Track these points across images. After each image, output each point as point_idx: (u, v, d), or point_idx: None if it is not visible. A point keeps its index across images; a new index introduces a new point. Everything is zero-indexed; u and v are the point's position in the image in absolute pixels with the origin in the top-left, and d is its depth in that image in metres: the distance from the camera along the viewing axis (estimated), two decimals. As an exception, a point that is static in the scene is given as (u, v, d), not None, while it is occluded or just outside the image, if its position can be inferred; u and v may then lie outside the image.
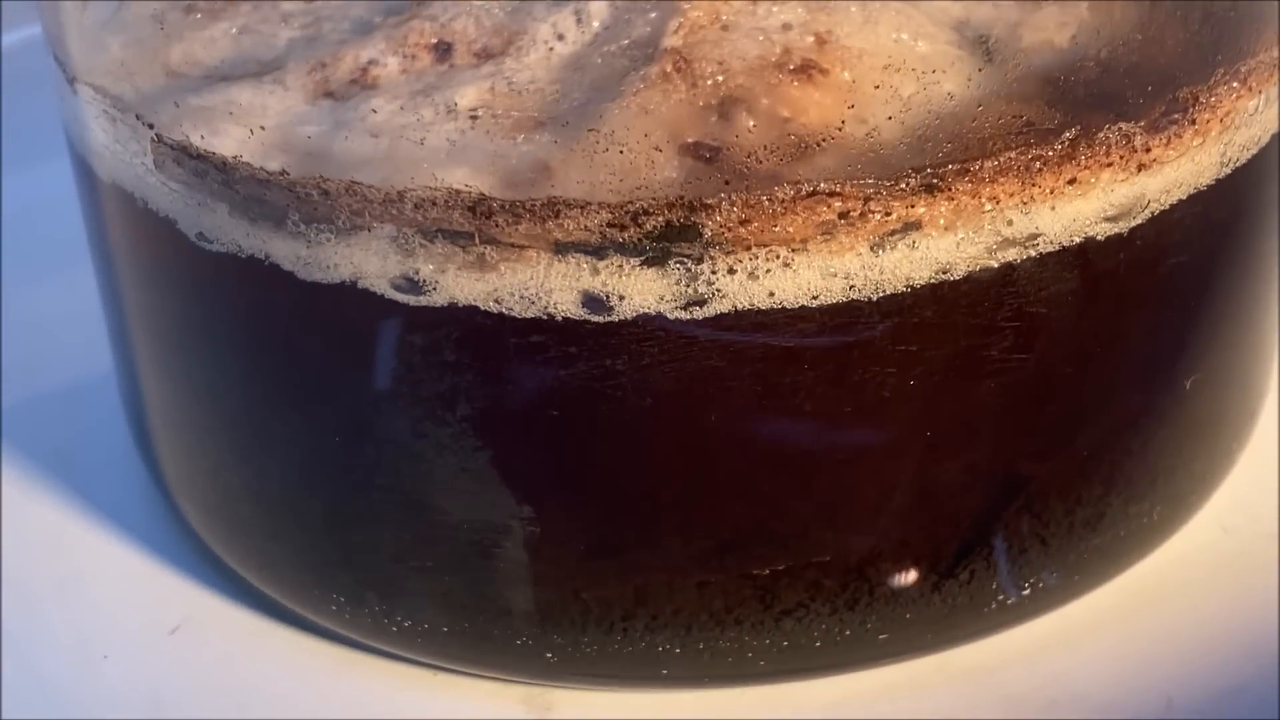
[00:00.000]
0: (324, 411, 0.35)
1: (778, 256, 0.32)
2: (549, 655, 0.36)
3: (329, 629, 0.39)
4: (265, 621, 0.40)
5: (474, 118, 0.34)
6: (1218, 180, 0.35)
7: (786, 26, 0.35)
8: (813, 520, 0.35)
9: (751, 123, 0.33)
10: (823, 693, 0.37)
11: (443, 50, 0.37)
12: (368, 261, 0.33)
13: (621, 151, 0.32)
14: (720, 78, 0.34)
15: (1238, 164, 0.36)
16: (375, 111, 0.35)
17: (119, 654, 0.39)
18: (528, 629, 0.36)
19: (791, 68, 0.34)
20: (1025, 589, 0.37)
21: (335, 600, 0.38)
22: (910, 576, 0.36)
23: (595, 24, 0.37)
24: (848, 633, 0.36)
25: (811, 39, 0.35)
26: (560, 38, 0.36)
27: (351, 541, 0.37)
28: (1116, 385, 0.36)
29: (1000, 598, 0.37)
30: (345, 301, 0.34)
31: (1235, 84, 0.34)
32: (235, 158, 0.34)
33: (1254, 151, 0.36)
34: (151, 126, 0.35)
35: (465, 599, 0.36)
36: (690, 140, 0.33)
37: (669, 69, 0.34)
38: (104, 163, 0.37)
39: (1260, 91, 0.35)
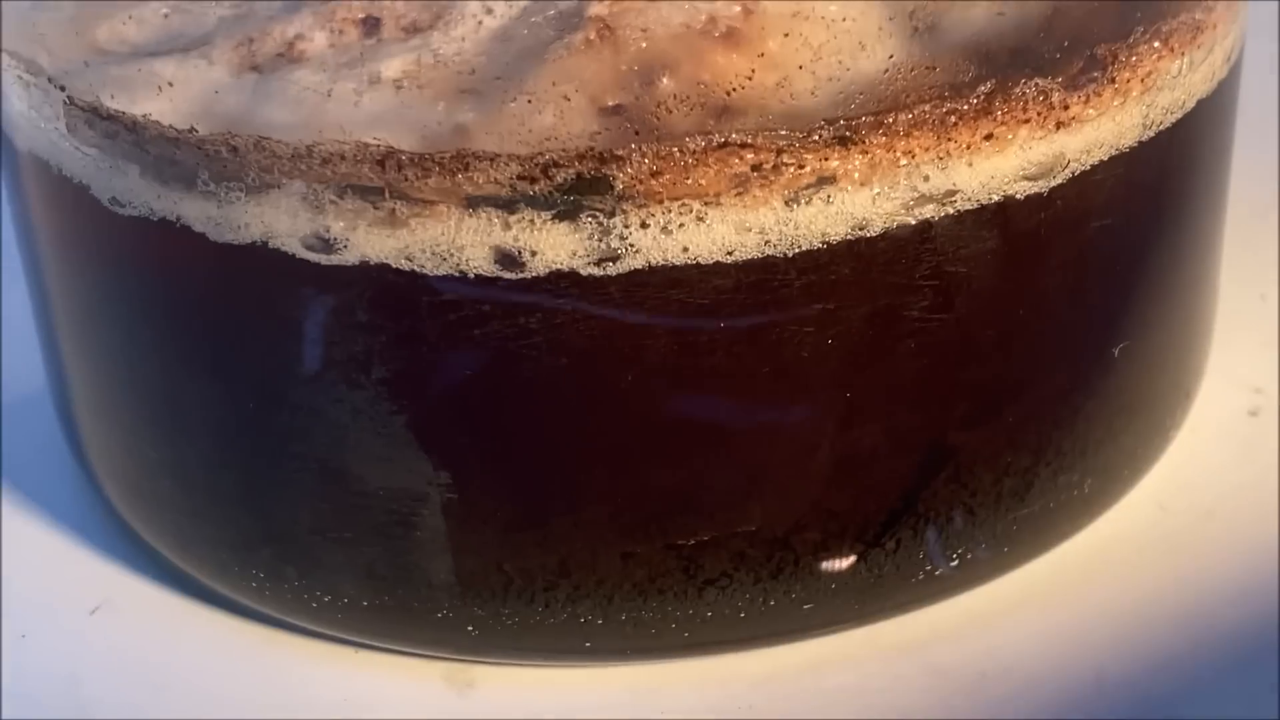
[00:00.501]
0: (238, 378, 0.35)
1: (691, 210, 0.32)
2: (470, 628, 0.36)
3: (250, 608, 0.38)
4: (187, 601, 0.39)
5: (398, 88, 0.34)
6: (1141, 143, 0.35)
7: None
8: (734, 486, 0.34)
9: (673, 87, 0.33)
10: (749, 666, 0.36)
11: (371, 25, 0.37)
12: (278, 220, 0.33)
13: (529, 100, 0.31)
14: (644, 44, 0.34)
15: (1161, 127, 0.35)
16: (298, 83, 0.35)
17: (38, 633, 0.38)
18: (448, 601, 0.36)
19: (716, 35, 0.34)
20: (954, 560, 0.36)
21: (255, 577, 0.37)
22: (835, 545, 0.35)
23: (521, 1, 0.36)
24: (772, 603, 0.35)
25: (738, 8, 0.34)
26: (489, 12, 0.36)
27: (269, 514, 0.36)
28: (1041, 351, 0.36)
29: (928, 568, 0.36)
30: (256, 263, 0.33)
31: (1157, 44, 0.34)
32: (145, 116, 0.33)
33: (1178, 116, 0.36)
34: (63, 89, 0.35)
35: (385, 571, 0.36)
36: (610, 103, 0.33)
37: (593, 36, 0.34)
38: (21, 132, 0.37)
39: (1183, 54, 0.35)
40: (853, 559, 0.35)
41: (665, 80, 0.33)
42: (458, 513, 0.35)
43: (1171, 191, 0.37)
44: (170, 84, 0.34)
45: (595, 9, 0.35)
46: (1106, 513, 0.39)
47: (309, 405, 0.34)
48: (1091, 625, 0.37)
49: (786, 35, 0.33)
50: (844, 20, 0.33)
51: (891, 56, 0.32)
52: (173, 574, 0.39)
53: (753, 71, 0.31)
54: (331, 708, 0.36)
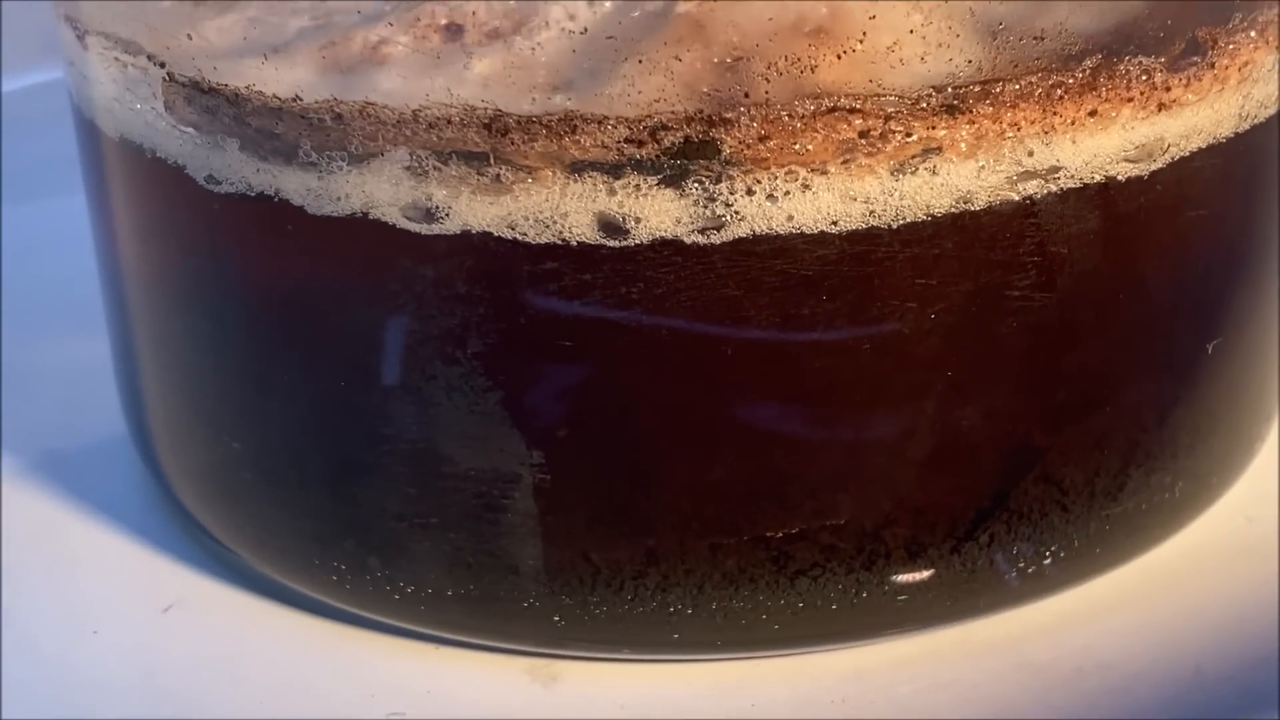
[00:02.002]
0: (330, 357, 0.35)
1: (797, 177, 0.31)
2: (556, 618, 0.35)
3: (326, 606, 0.37)
4: (260, 601, 0.38)
5: (485, 85, 0.34)
6: (1237, 134, 0.35)
7: (800, 5, 0.35)
8: (827, 472, 0.34)
9: (766, 69, 0.33)
10: (841, 663, 0.36)
11: (453, 31, 0.37)
12: (380, 189, 0.33)
13: (641, 62, 0.31)
14: (736, 38, 0.34)
15: (1256, 120, 0.35)
16: (385, 80, 0.35)
17: (110, 630, 0.38)
18: (535, 590, 0.35)
19: (806, 30, 0.34)
20: (1047, 557, 0.36)
21: (335, 569, 0.36)
22: (929, 536, 0.35)
23: (607, 4, 0.36)
24: (865, 594, 0.35)
25: (825, 9, 0.35)
26: (572, 18, 0.36)
27: (355, 501, 0.36)
28: (1138, 339, 0.35)
29: (1021, 565, 0.36)
30: (355, 235, 0.33)
31: (1254, 33, 0.34)
32: (248, 87, 0.33)
33: (1272, 111, 0.36)
34: (164, 65, 0.35)
35: (471, 558, 0.35)
36: (704, 87, 0.33)
37: (683, 32, 0.34)
38: (112, 118, 0.37)
39: (1278, 48, 0.35)
40: (946, 552, 0.35)
41: (760, 69, 0.33)
42: (548, 496, 0.34)
43: (1263, 188, 0.37)
44: (265, 57, 0.34)
45: (683, 7, 0.35)
46: (1194, 521, 0.38)
47: (402, 383, 0.34)
48: (1185, 623, 0.36)
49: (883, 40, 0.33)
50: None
51: (1002, 24, 0.32)
52: (246, 574, 0.39)
53: (864, 35, 0.31)
54: (413, 702, 0.36)
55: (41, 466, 0.43)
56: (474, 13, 0.36)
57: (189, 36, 0.34)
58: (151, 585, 0.39)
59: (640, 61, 0.32)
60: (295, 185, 0.33)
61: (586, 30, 0.33)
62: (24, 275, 0.51)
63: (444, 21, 0.37)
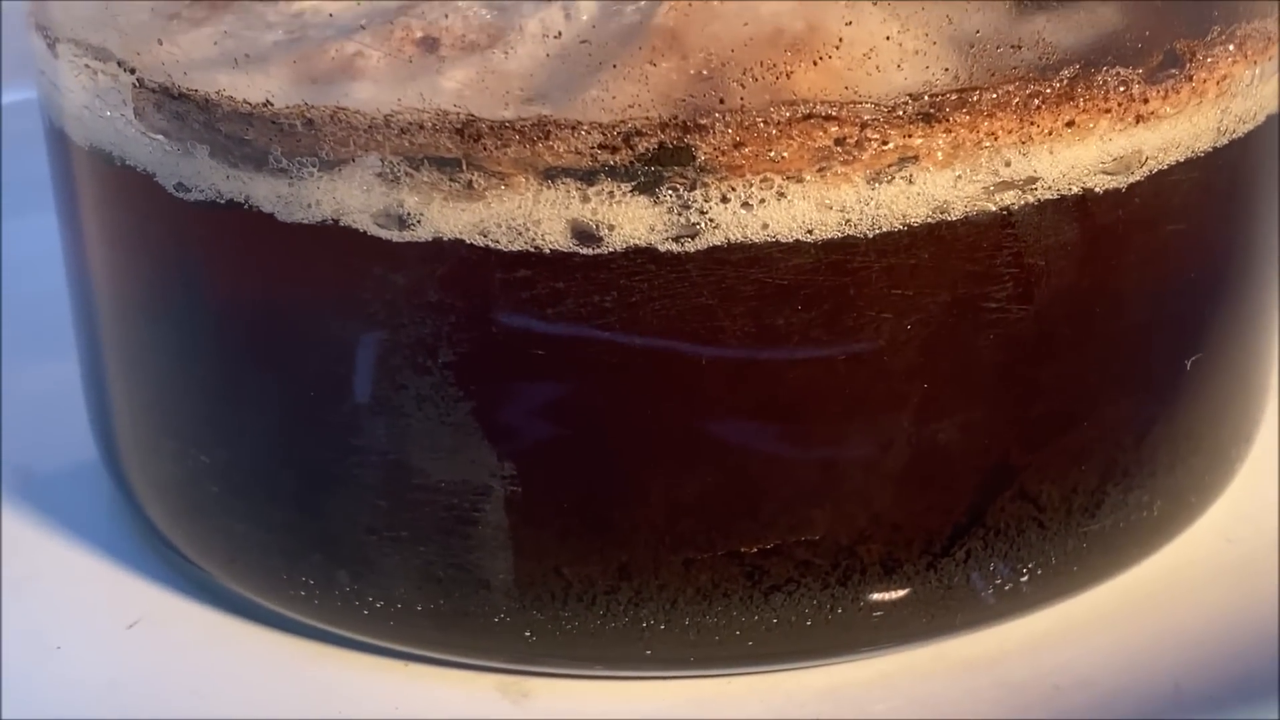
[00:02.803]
0: (300, 367, 0.34)
1: (772, 185, 0.31)
2: (528, 634, 0.35)
3: (294, 623, 0.37)
4: (226, 617, 0.38)
5: (460, 97, 0.34)
6: (1215, 149, 0.35)
7: (776, 12, 0.35)
8: (801, 485, 0.34)
9: (742, 74, 0.32)
10: (816, 680, 0.35)
11: (429, 44, 0.37)
12: (351, 196, 0.32)
13: (615, 66, 0.31)
14: (711, 50, 0.34)
15: (1235, 135, 0.35)
16: (360, 92, 0.34)
17: (73, 646, 0.37)
18: (506, 604, 0.34)
19: (783, 45, 0.34)
20: (1024, 575, 0.36)
21: (304, 584, 0.36)
22: (905, 552, 0.34)
23: (584, 18, 0.36)
24: (839, 611, 0.34)
25: (802, 24, 0.34)
26: (547, 33, 0.36)
27: (324, 511, 0.35)
28: (1116, 353, 0.35)
29: (998, 582, 0.35)
30: (325, 243, 0.33)
31: (1231, 47, 0.34)
32: (219, 92, 0.33)
33: (1250, 127, 0.36)
34: (134, 71, 0.34)
35: (441, 573, 0.35)
36: (678, 95, 0.33)
37: (658, 44, 0.34)
38: (81, 126, 0.36)
39: (1256, 63, 0.35)
40: (923, 568, 0.35)
41: (735, 81, 0.33)
42: (520, 509, 0.34)
43: (1242, 205, 0.37)
44: (236, 63, 0.34)
45: (660, 21, 0.35)
46: (1173, 541, 0.38)
47: (373, 393, 0.34)
48: (1164, 641, 0.36)
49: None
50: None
51: (979, 32, 0.31)
52: (212, 590, 0.38)
53: (840, 41, 0.31)
54: (381, 717, 0.35)
55: (8, 483, 0.42)
56: (449, 27, 0.36)
57: (159, 42, 0.34)
58: (116, 601, 0.38)
59: (615, 67, 0.31)
60: (265, 192, 0.33)
61: (560, 34, 0.33)
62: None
63: (419, 35, 0.37)
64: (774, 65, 0.31)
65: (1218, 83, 0.34)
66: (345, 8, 0.37)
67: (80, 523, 0.41)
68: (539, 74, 0.34)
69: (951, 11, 0.31)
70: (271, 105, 0.32)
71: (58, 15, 0.37)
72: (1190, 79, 0.34)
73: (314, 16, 0.37)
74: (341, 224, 0.32)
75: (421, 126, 0.32)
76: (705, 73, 0.33)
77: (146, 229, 0.36)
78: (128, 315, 0.37)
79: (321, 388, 0.34)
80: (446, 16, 0.36)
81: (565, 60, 0.34)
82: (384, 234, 0.32)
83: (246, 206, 0.33)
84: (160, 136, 0.34)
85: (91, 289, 0.39)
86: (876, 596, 0.35)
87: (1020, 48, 0.32)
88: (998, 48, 0.31)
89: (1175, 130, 0.34)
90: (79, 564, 0.40)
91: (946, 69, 0.31)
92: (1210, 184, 0.35)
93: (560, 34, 0.35)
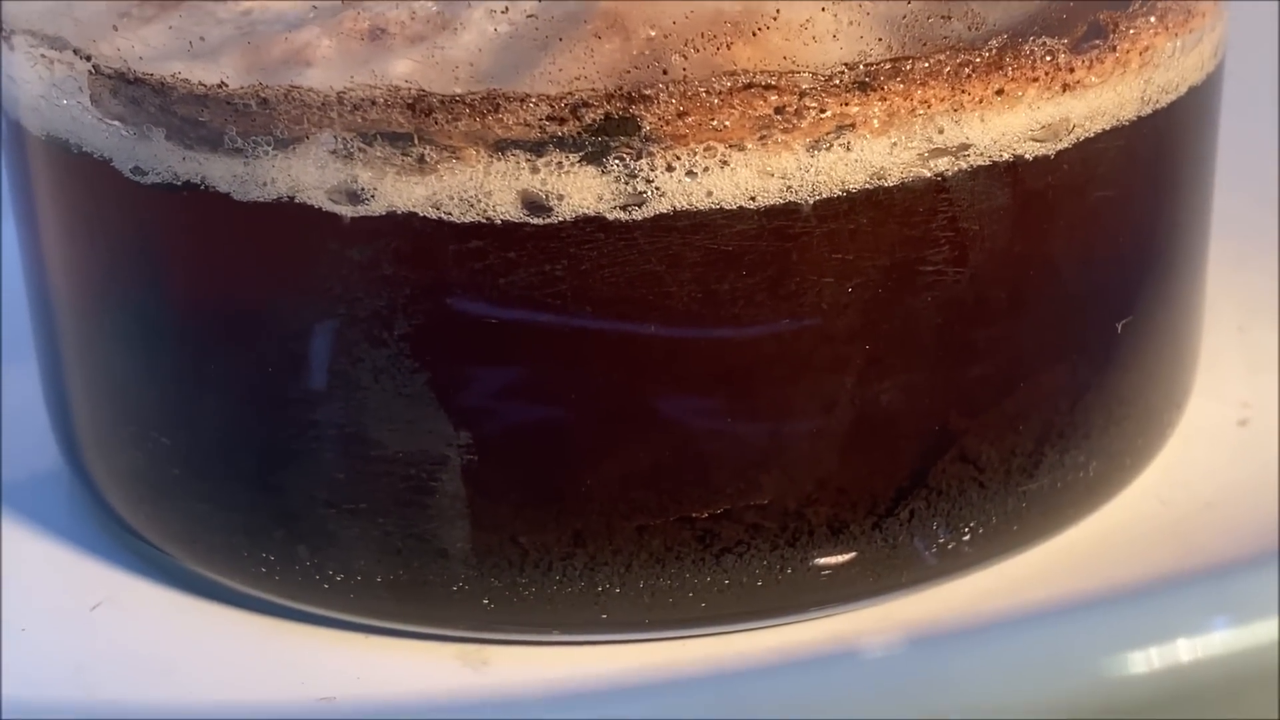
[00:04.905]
0: (257, 343, 0.35)
1: (715, 153, 0.32)
2: (486, 601, 0.35)
3: (255, 600, 0.38)
4: (188, 597, 0.38)
5: (407, 82, 0.35)
6: (1140, 118, 0.36)
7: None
8: (752, 444, 0.35)
9: (684, 45, 0.33)
10: (767, 641, 0.36)
11: (376, 33, 0.37)
12: (306, 173, 0.33)
13: (561, 40, 0.32)
14: (653, 32, 0.35)
15: (1158, 105, 0.36)
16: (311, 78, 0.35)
17: (38, 629, 0.38)
18: (464, 572, 0.35)
19: (723, 20, 0.35)
20: (965, 534, 0.37)
21: (265, 560, 0.37)
22: (851, 514, 0.35)
23: (527, 6, 0.37)
24: (789, 571, 0.35)
25: (739, 6, 0.35)
26: (493, 16, 0.37)
27: (283, 488, 0.36)
28: (1049, 316, 0.36)
29: (941, 541, 0.36)
30: (281, 220, 0.34)
31: (1153, 19, 0.36)
32: (174, 75, 0.34)
33: (1173, 97, 0.37)
34: (89, 58, 0.35)
35: (400, 543, 0.35)
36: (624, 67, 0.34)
37: (602, 24, 0.35)
38: (38, 115, 0.37)
39: (1176, 35, 0.36)
40: (869, 528, 0.36)
41: (678, 57, 0.34)
42: (476, 478, 0.35)
43: (1167, 173, 0.38)
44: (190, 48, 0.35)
45: (602, 4, 0.36)
46: (1109, 503, 0.39)
47: (330, 367, 0.34)
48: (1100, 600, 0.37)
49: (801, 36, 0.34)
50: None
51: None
52: (173, 572, 0.39)
53: (777, 12, 0.32)
54: (345, 688, 0.36)
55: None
56: (396, 18, 0.37)
57: (114, 28, 0.35)
58: (79, 584, 0.39)
59: (560, 41, 0.32)
60: (221, 172, 0.34)
61: (506, 20, 0.34)
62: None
63: (367, 25, 0.38)
64: (714, 37, 0.32)
65: (1140, 53, 0.36)
66: (291, 6, 0.38)
67: (37, 505, 0.42)
68: (486, 56, 0.35)
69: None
70: (226, 86, 0.33)
71: (11, 7, 0.37)
72: (1114, 49, 0.35)
73: (262, 14, 0.38)
74: (297, 201, 0.33)
75: (374, 103, 0.32)
76: (648, 51, 0.34)
77: (104, 214, 0.36)
78: (85, 303, 0.38)
79: (279, 364, 0.35)
80: (395, 8, 0.37)
81: (513, 40, 0.35)
82: (339, 210, 0.33)
83: (203, 187, 0.34)
84: (116, 122, 0.35)
85: (48, 279, 0.39)
86: (824, 558, 0.36)
87: (950, 18, 0.33)
88: (929, 18, 0.33)
89: (1101, 99, 0.35)
90: (38, 547, 0.40)
91: (880, 39, 0.32)
92: (1136, 152, 0.36)
93: (506, 20, 0.36)
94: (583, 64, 0.33)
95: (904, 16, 0.32)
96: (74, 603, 0.39)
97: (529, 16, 0.35)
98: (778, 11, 0.32)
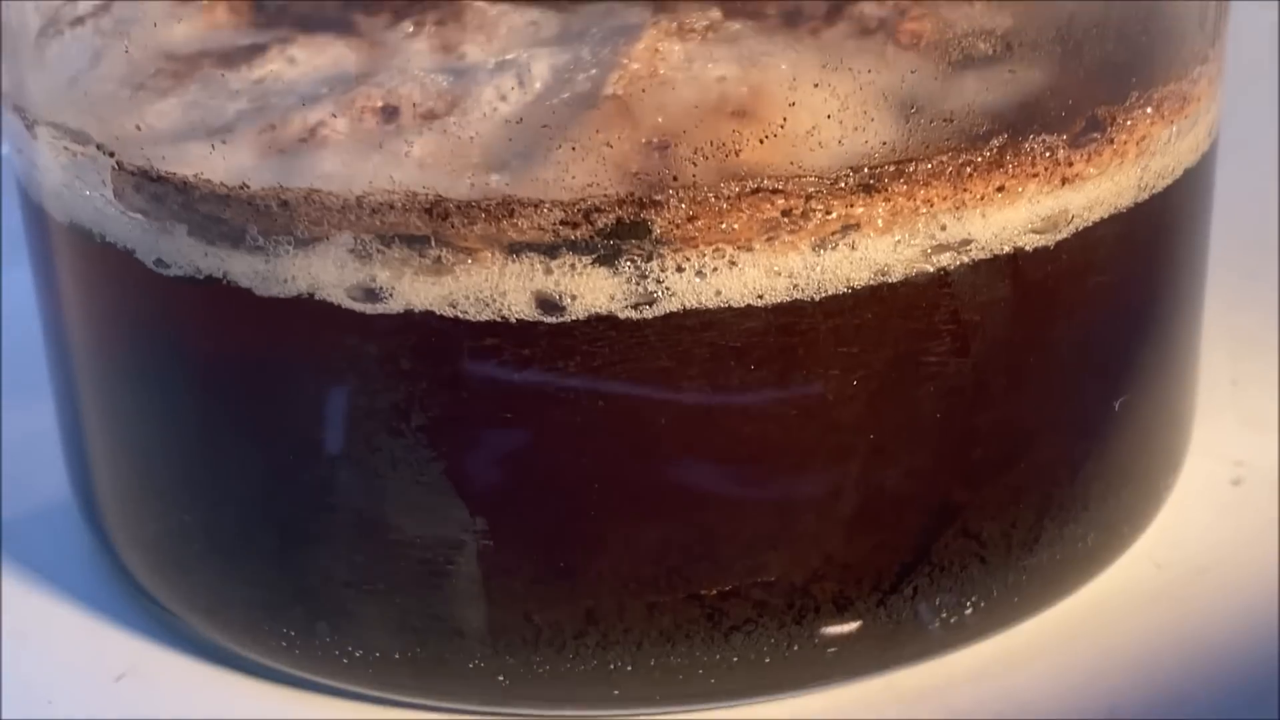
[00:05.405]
0: (278, 431, 0.36)
1: (724, 255, 0.33)
2: (501, 678, 0.37)
3: (276, 672, 0.39)
4: (210, 667, 0.39)
5: (423, 168, 0.36)
6: (1136, 204, 0.37)
7: (721, 79, 0.37)
8: (756, 534, 0.36)
9: (693, 153, 0.34)
10: (774, 714, 0.37)
11: (389, 113, 0.38)
12: (325, 271, 0.34)
13: (574, 149, 0.33)
14: (660, 119, 0.36)
15: (1155, 191, 0.37)
16: (325, 162, 0.36)
17: (64, 701, 0.39)
18: (480, 650, 0.36)
19: (729, 111, 0.36)
20: (968, 607, 0.38)
21: (285, 635, 0.38)
22: (856, 590, 0.37)
23: (537, 84, 0.38)
24: (796, 648, 0.37)
25: (745, 89, 0.36)
26: (503, 99, 0.38)
27: (304, 568, 0.37)
28: (1049, 399, 0.37)
29: (944, 615, 0.37)
30: (301, 315, 0.34)
31: (1149, 109, 0.36)
32: (196, 175, 0.35)
33: (1169, 181, 0.38)
34: (112, 155, 0.36)
35: (417, 622, 0.36)
36: (634, 169, 0.35)
37: (611, 113, 0.36)
38: (60, 203, 0.38)
39: (1173, 122, 0.37)
40: (874, 605, 0.37)
41: (685, 148, 0.35)
42: (491, 560, 0.36)
43: (1163, 254, 0.39)
44: (212, 148, 0.36)
45: (611, 89, 0.37)
46: (1106, 570, 0.40)
47: (349, 455, 0.35)
48: (1101, 667, 0.38)
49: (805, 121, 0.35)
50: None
51: (914, 109, 0.33)
52: (195, 642, 0.40)
53: (784, 120, 0.33)
54: (363, 762, 0.37)
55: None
56: (408, 95, 0.38)
57: (137, 128, 0.36)
58: (102, 655, 0.40)
59: (574, 149, 0.33)
60: (243, 268, 0.35)
61: (522, 121, 0.35)
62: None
63: (379, 104, 0.38)
64: (723, 143, 0.33)
65: (1137, 143, 0.36)
66: (302, 74, 0.39)
67: (61, 575, 0.43)
68: (498, 143, 0.36)
69: (887, 88, 0.33)
70: (248, 188, 0.34)
71: (34, 97, 0.38)
72: (1111, 141, 0.36)
73: (274, 84, 0.39)
74: (316, 298, 0.34)
75: (392, 206, 0.33)
76: (657, 140, 0.35)
77: (127, 301, 0.37)
78: (108, 382, 0.39)
79: (300, 450, 0.36)
80: (405, 84, 0.38)
81: (523, 128, 0.35)
82: (357, 307, 0.34)
83: (224, 281, 0.35)
84: (139, 215, 0.36)
85: (71, 355, 0.40)
86: (830, 632, 0.37)
87: (952, 120, 0.34)
88: (931, 121, 0.34)
89: (1099, 189, 0.36)
90: (62, 617, 0.41)
91: (884, 142, 0.33)
92: (1133, 236, 0.37)
93: (516, 99, 0.37)
94: (595, 163, 0.33)
95: (907, 120, 0.33)
96: (99, 673, 0.40)
97: (537, 100, 0.36)
98: (784, 120, 0.33)
